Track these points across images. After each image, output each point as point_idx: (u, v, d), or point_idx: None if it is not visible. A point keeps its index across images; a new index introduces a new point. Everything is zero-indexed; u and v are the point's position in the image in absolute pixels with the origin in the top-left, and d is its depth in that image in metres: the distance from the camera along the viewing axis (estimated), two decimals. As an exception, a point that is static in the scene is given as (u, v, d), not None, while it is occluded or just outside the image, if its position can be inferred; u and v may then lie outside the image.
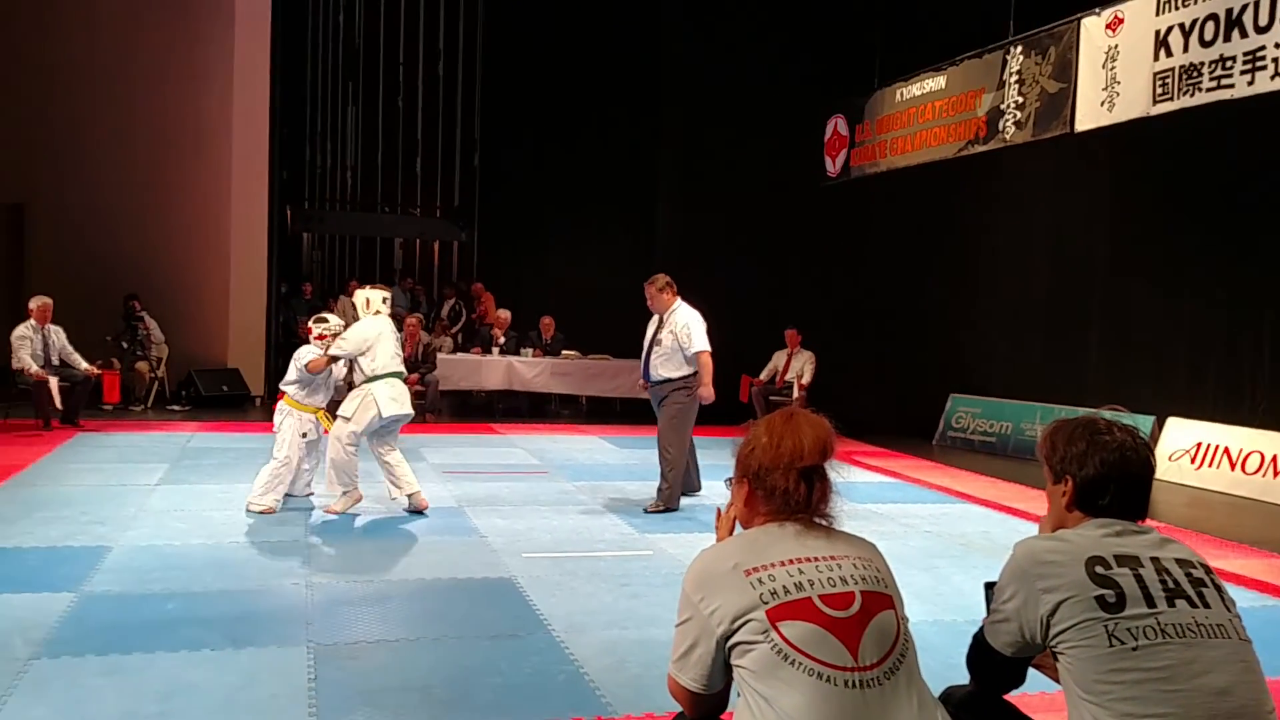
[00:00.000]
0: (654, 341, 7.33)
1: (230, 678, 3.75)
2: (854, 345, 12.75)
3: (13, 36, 14.49)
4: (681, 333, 7.14)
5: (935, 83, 10.33)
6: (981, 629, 2.20)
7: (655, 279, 7.38)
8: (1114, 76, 8.12)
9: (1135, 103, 7.93)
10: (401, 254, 18.86)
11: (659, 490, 7.22)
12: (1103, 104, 8.24)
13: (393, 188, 18.68)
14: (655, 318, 7.39)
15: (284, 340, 14.33)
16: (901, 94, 10.86)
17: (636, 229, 15.11)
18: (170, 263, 13.41)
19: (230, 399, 12.47)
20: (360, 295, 6.98)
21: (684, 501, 7.41)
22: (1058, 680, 2.10)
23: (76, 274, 13.26)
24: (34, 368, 9.76)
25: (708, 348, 7.16)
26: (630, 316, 14.78)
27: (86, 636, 4.12)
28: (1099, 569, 2.04)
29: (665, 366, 7.23)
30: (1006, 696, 2.28)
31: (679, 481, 7.23)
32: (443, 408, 12.41)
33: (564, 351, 12.92)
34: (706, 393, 7.13)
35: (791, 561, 1.96)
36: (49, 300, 10.18)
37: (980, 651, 2.20)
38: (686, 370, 7.17)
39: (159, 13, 13.42)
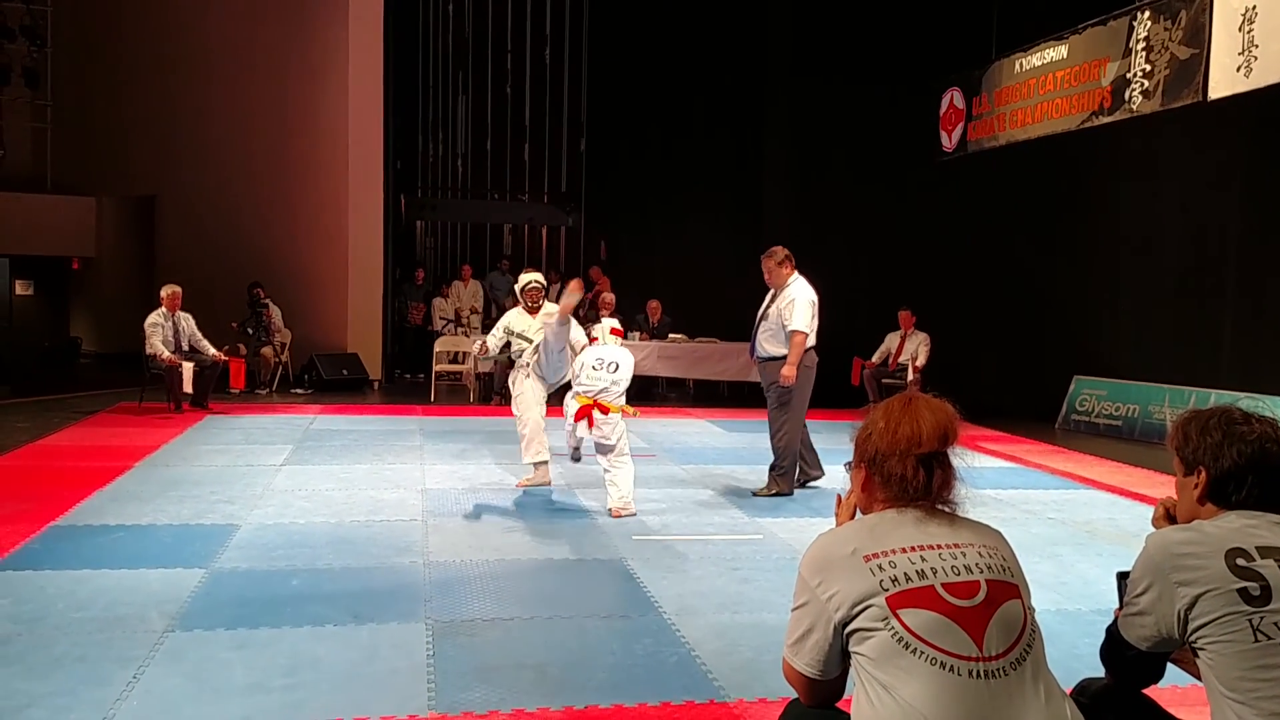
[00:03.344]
0: (763, 316, 7.14)
1: (352, 653, 3.86)
2: (972, 326, 12.40)
3: (144, 37, 15.19)
4: (786, 308, 6.93)
5: (1057, 52, 9.94)
6: (1115, 622, 2.11)
7: (774, 251, 7.11)
8: (1251, 40, 7.68)
9: (1275, 67, 7.48)
10: (510, 239, 19.09)
11: (772, 475, 7.10)
12: (1239, 69, 7.80)
13: (501, 174, 18.90)
14: (771, 292, 7.16)
15: (399, 325, 14.70)
16: (1021, 65, 10.49)
17: (743, 210, 14.98)
18: (291, 251, 13.88)
19: (350, 382, 12.85)
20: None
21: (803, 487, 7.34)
22: (1198, 676, 2.00)
23: (203, 263, 13.86)
24: (165, 353, 10.21)
25: (804, 329, 6.88)
26: (737, 299, 14.70)
27: (217, 611, 4.29)
28: (1240, 561, 1.94)
29: (770, 342, 7.04)
30: (1145, 692, 2.18)
31: (794, 466, 7.09)
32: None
33: (670, 335, 12.92)
34: (787, 372, 6.85)
35: (913, 549, 1.91)
36: (179, 288, 10.63)
37: (1114, 645, 2.11)
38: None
39: (276, 9, 13.87)
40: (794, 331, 6.89)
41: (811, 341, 7.01)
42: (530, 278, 7.45)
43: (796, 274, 7.08)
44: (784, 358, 6.94)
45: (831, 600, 1.89)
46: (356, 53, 13.27)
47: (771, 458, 7.15)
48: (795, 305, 6.90)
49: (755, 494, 7.05)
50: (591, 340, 6.91)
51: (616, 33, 16.74)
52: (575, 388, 6.61)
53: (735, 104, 15.02)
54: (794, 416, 7.03)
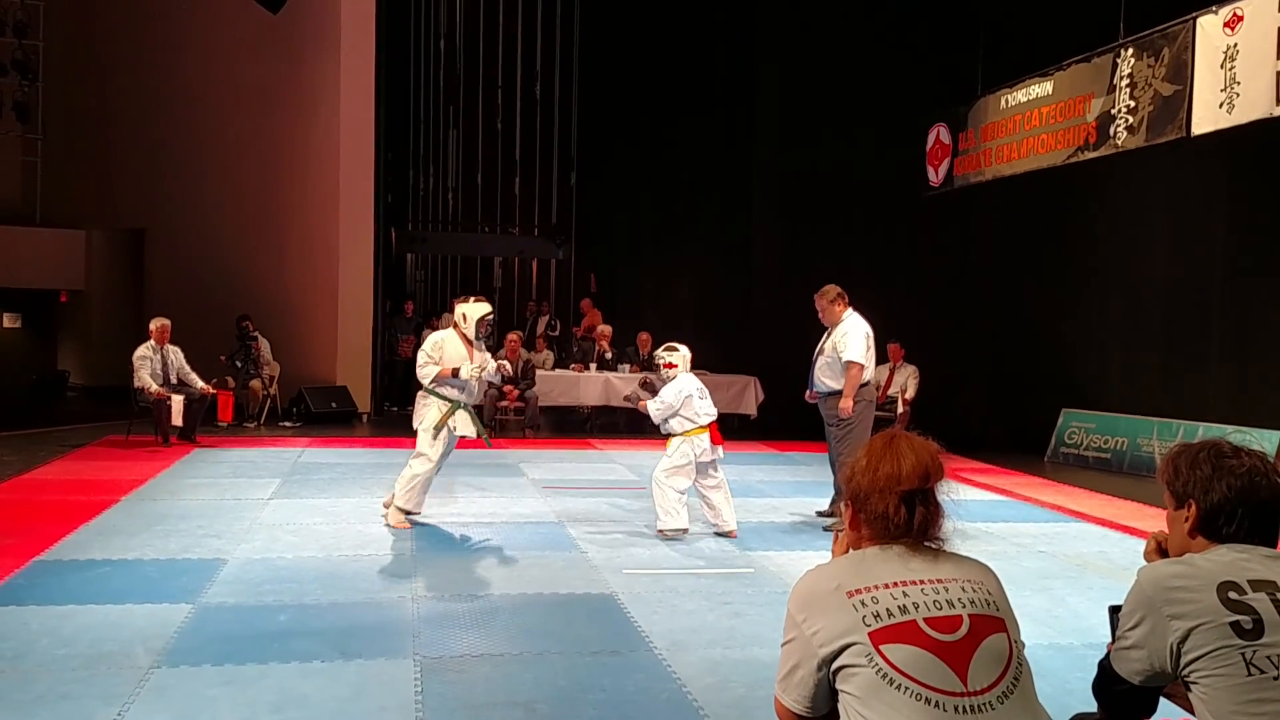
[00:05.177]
0: (819, 352, 7.28)
1: (340, 689, 3.82)
2: (960, 359, 12.44)
3: (134, 72, 15.25)
4: (841, 341, 7.07)
5: (1042, 88, 10.05)
6: (1107, 656, 2.11)
7: (826, 291, 7.27)
8: (1233, 77, 7.78)
9: (1256, 104, 7.58)
10: (501, 272, 19.12)
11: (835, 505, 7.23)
12: (1221, 106, 7.90)
13: (492, 208, 18.97)
14: (827, 330, 7.32)
15: (388, 358, 14.68)
16: (1006, 100, 10.60)
17: (732, 244, 15.06)
18: (281, 284, 13.87)
19: (339, 415, 12.80)
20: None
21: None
22: (1190, 710, 1.99)
23: (192, 296, 13.84)
24: (154, 386, 10.16)
25: (860, 360, 7.02)
26: (727, 332, 14.77)
27: (204, 647, 4.25)
28: (1232, 594, 1.94)
29: (827, 375, 7.19)
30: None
31: None
32: (541, 423, 12.52)
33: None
34: (843, 404, 6.99)
35: (896, 584, 1.92)
36: (167, 321, 10.61)
37: (1107, 679, 2.10)
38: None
39: (268, 44, 13.93)
40: (849, 362, 7.02)
41: (869, 375, 7.17)
42: (489, 308, 7.01)
43: (850, 310, 7.23)
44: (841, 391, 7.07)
45: (816, 636, 1.90)
46: (348, 86, 13.34)
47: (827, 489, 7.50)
48: (849, 337, 7.05)
49: (820, 513, 7.39)
50: (669, 366, 6.86)
51: (607, 68, 16.89)
52: (682, 424, 6.67)
53: (725, 138, 15.14)
54: (857, 447, 7.01)
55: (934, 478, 2.00)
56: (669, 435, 6.77)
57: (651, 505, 6.75)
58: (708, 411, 6.76)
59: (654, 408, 6.75)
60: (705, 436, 6.72)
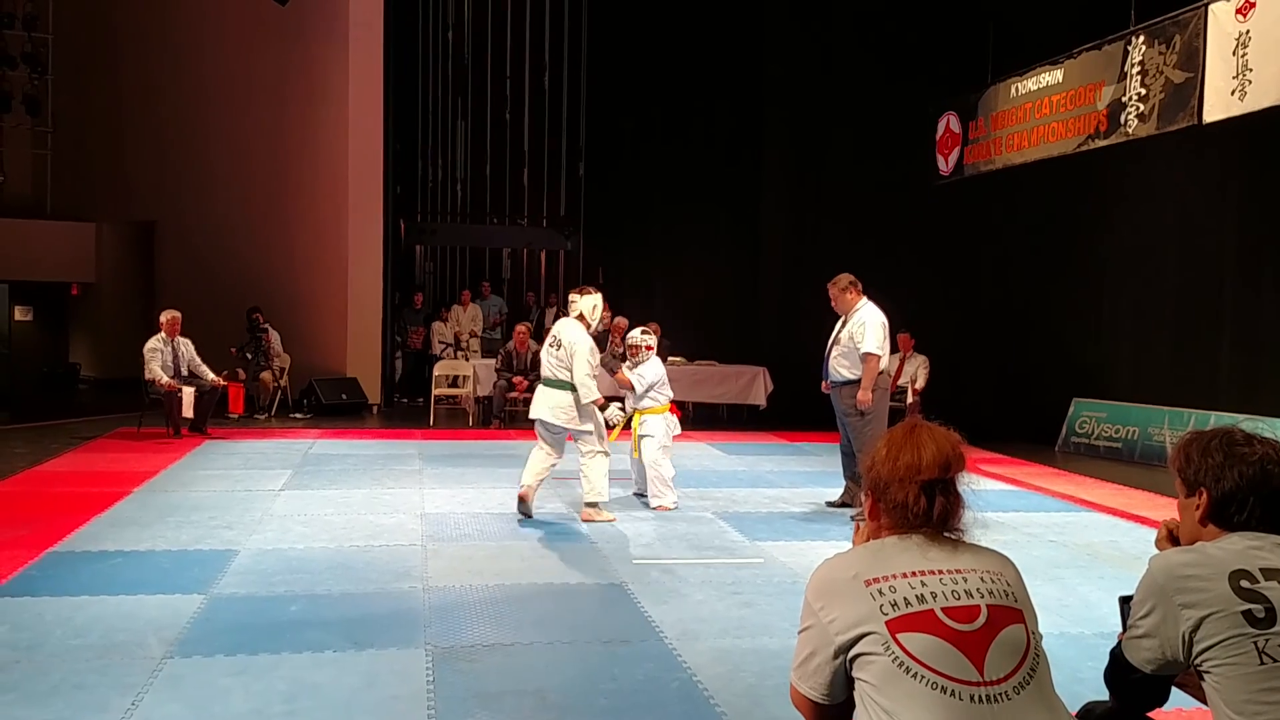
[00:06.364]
0: (834, 341, 7.30)
1: (352, 679, 3.83)
2: (970, 349, 12.41)
3: (144, 65, 15.28)
4: (858, 331, 7.09)
5: (1052, 76, 10.00)
6: (1118, 645, 2.11)
7: (838, 279, 7.31)
8: (1245, 64, 7.73)
9: (1269, 91, 7.53)
10: (509, 263, 19.11)
11: (850, 493, 7.28)
12: (1233, 93, 7.85)
13: (500, 199, 18.93)
14: (841, 318, 7.34)
15: (404, 349, 14.71)
16: (1016, 89, 10.56)
17: (742, 234, 15.05)
18: (290, 276, 13.89)
19: (349, 407, 12.83)
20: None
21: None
22: (1202, 699, 1.99)
23: (202, 288, 13.89)
24: (165, 378, 10.20)
25: (877, 351, 7.06)
26: (736, 322, 14.78)
27: (216, 637, 4.27)
28: (1244, 583, 1.93)
29: (842, 365, 7.20)
30: (1149, 715, 2.17)
31: None
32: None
33: (670, 357, 12.91)
34: (862, 396, 7.02)
35: (914, 574, 1.92)
36: (178, 314, 10.64)
37: (1118, 669, 2.10)
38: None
39: (276, 36, 13.94)
40: (867, 354, 7.04)
41: (884, 364, 7.22)
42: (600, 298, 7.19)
43: (864, 299, 7.25)
44: (858, 381, 7.09)
45: (833, 624, 1.90)
46: (356, 78, 13.34)
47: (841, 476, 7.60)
48: (867, 328, 7.07)
49: (831, 505, 7.42)
50: (649, 349, 7.50)
51: (615, 58, 16.84)
52: (654, 400, 7.42)
53: (734, 127, 15.10)
54: (876, 437, 7.01)
55: (955, 468, 2.00)
56: (630, 414, 7.50)
57: (652, 487, 7.31)
58: (668, 393, 7.57)
59: (639, 383, 7.44)
60: (669, 414, 7.44)
